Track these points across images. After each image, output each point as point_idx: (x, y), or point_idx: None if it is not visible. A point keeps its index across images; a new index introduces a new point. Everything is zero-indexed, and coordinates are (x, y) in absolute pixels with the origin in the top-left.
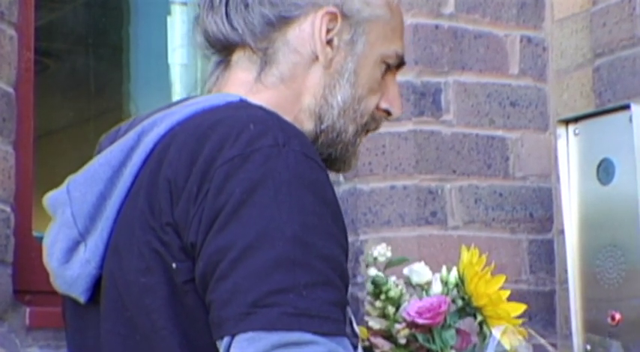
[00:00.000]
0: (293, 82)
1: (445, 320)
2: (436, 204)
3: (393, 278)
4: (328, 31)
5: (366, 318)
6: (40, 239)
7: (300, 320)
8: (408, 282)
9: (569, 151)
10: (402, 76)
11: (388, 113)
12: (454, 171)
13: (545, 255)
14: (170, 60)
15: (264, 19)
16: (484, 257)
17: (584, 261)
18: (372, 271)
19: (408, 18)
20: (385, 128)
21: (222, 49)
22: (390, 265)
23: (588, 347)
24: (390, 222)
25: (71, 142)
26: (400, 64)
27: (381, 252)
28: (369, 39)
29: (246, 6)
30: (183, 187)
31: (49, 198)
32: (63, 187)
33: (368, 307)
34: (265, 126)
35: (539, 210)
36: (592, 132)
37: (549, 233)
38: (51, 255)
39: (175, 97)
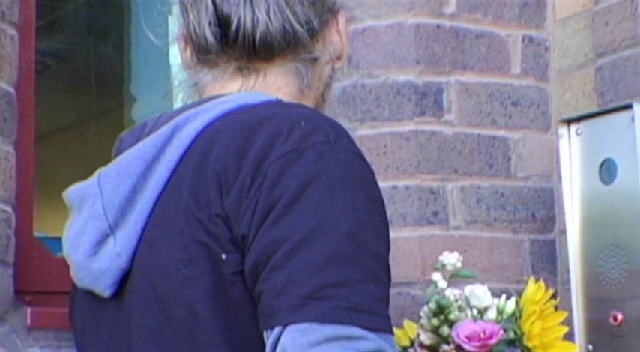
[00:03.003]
0: (311, 88)
1: (491, 350)
2: (438, 204)
3: (457, 302)
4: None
5: (419, 330)
6: (42, 239)
7: (352, 315)
8: (467, 299)
9: (571, 151)
10: (403, 76)
11: None
12: (456, 171)
13: (547, 256)
14: (172, 60)
15: (311, 25)
16: (549, 292)
17: (587, 261)
18: (437, 276)
19: (410, 18)
20: (386, 128)
21: (256, 56)
22: (455, 276)
23: (590, 347)
24: (392, 222)
25: (73, 142)
26: None
27: (452, 261)
28: None
29: (293, 13)
30: (234, 180)
31: (73, 190)
32: (92, 179)
33: (424, 320)
34: (316, 123)
35: (541, 210)
36: (594, 131)
37: (551, 233)
38: (75, 247)
39: (177, 97)
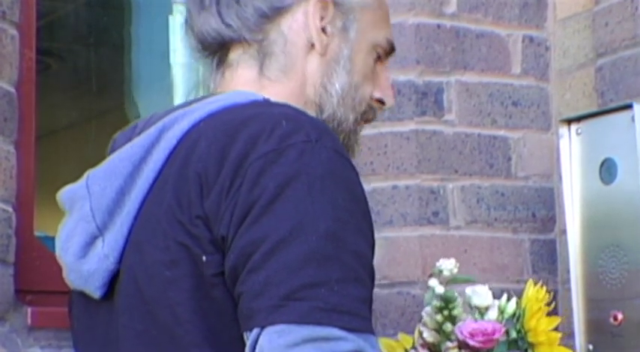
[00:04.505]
0: (294, 73)
1: (495, 345)
2: (438, 203)
3: (460, 299)
4: (321, 18)
5: (421, 328)
6: (42, 239)
7: (330, 316)
8: (467, 301)
9: (572, 151)
10: (403, 76)
11: (382, 103)
12: (456, 171)
13: (548, 255)
14: (172, 59)
15: (258, 11)
16: (547, 295)
17: (587, 261)
18: (433, 282)
19: (410, 17)
20: (387, 128)
21: (219, 49)
22: (453, 282)
23: (591, 347)
24: (392, 222)
25: (73, 142)
26: (390, 50)
27: (449, 267)
28: (360, 26)
29: (237, 1)
30: (214, 181)
31: (65, 192)
32: (81, 181)
33: (426, 318)
34: (297, 122)
35: (542, 210)
36: (594, 131)
37: (552, 233)
38: (66, 249)
39: (177, 97)
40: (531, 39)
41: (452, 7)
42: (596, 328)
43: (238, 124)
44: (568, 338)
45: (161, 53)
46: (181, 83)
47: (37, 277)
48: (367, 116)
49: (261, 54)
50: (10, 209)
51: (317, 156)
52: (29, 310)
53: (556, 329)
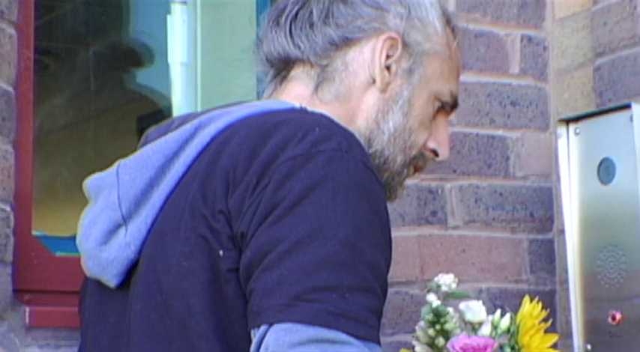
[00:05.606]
0: (348, 102)
1: None
2: (436, 203)
3: (453, 314)
4: (388, 56)
5: (414, 342)
6: (40, 238)
7: (338, 320)
8: (461, 317)
9: (570, 151)
10: None
11: (436, 154)
12: (454, 171)
13: (546, 255)
14: (170, 59)
15: (328, 38)
16: (544, 312)
17: (585, 261)
18: (431, 297)
19: None
20: None
21: (280, 64)
22: (450, 297)
23: (589, 347)
24: (391, 222)
25: (71, 141)
26: (453, 105)
27: (447, 282)
28: (426, 72)
29: (312, 25)
30: (241, 178)
31: (92, 179)
32: (111, 170)
33: (419, 332)
34: (330, 131)
35: (540, 210)
36: (593, 131)
37: (550, 232)
38: (87, 235)
39: (175, 97)
40: (530, 39)
41: (450, 7)
42: (594, 328)
43: (272, 126)
44: (566, 338)
45: (159, 53)
46: (180, 83)
47: (35, 276)
48: (417, 162)
49: (321, 77)
50: (8, 208)
51: (345, 166)
52: (27, 309)
53: (554, 346)
